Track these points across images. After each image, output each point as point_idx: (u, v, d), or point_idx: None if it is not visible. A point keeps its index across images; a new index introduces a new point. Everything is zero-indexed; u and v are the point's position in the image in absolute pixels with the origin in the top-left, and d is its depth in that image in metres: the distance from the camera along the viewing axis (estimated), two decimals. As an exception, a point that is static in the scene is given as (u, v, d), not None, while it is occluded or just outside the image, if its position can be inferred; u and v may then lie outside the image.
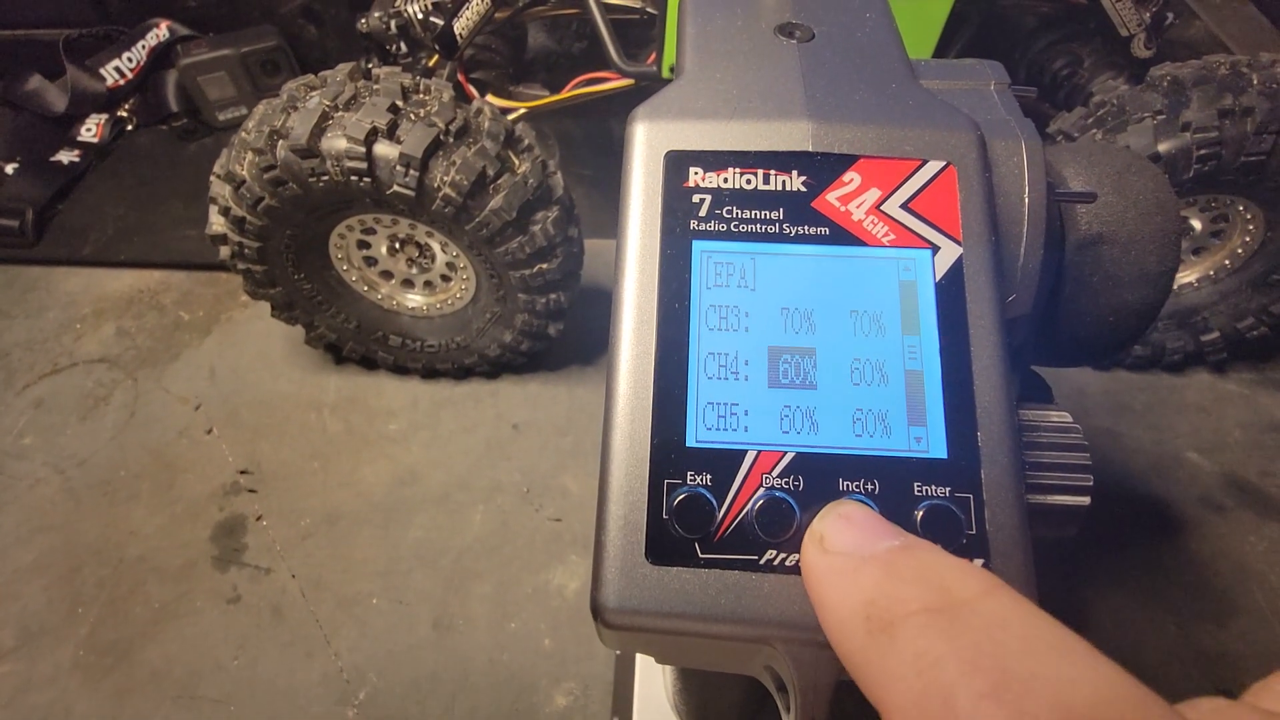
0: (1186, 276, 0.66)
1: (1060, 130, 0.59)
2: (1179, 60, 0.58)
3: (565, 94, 0.73)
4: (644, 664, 0.51)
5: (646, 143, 0.24)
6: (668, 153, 0.24)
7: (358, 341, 0.68)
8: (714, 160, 0.24)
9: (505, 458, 0.66)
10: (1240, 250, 0.63)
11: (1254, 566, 0.60)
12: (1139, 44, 0.68)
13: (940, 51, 0.67)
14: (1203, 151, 0.52)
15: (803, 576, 0.18)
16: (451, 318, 0.66)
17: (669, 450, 0.21)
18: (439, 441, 0.67)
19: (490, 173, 0.51)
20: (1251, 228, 0.62)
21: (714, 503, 0.20)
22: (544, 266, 0.56)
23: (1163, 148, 0.53)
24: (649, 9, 0.72)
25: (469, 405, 0.70)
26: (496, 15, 0.70)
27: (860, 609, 0.14)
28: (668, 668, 0.47)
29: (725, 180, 0.24)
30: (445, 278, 0.64)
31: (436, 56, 0.72)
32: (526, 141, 0.56)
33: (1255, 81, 0.52)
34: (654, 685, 0.50)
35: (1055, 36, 0.77)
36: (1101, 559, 0.60)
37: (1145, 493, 0.64)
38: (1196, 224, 0.63)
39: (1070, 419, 0.23)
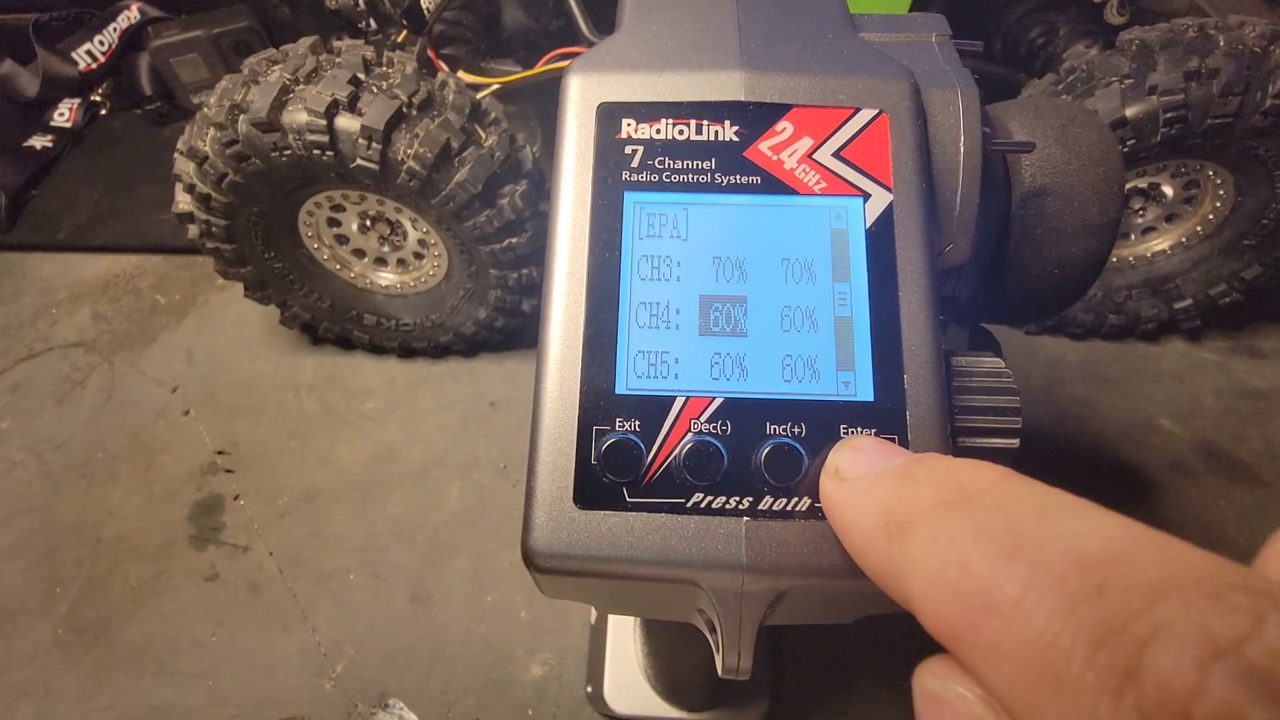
0: (1159, 244, 0.67)
1: (1030, 97, 0.59)
2: (1149, 26, 0.57)
3: (537, 69, 0.72)
4: (616, 633, 0.51)
5: (580, 95, 0.24)
6: (600, 104, 0.24)
7: (333, 321, 0.68)
8: (646, 111, 0.24)
9: (483, 434, 0.66)
10: (1212, 216, 0.63)
11: (1224, 530, 0.61)
12: (1112, 10, 0.68)
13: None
14: (1169, 114, 0.52)
15: (824, 509, 0.18)
16: (425, 295, 0.66)
17: (598, 397, 0.21)
18: (416, 419, 0.68)
19: (455, 145, 0.51)
20: (1222, 193, 0.62)
21: (642, 448, 0.21)
22: (514, 240, 0.56)
23: (1130, 112, 0.53)
24: (620, -19, 0.71)
25: (446, 383, 0.70)
26: (466, -10, 0.69)
27: (879, 517, 0.14)
28: (638, 637, 0.48)
29: (658, 131, 0.24)
30: (417, 255, 0.64)
31: (406, 32, 0.71)
32: (494, 115, 0.55)
33: (1222, 43, 0.52)
34: (625, 653, 0.50)
35: (1031, 5, 0.76)
36: (1073, 524, 0.61)
37: (1118, 460, 0.65)
38: (1168, 190, 0.64)
39: (1002, 364, 0.23)
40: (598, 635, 0.52)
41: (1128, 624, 0.09)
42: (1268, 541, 0.12)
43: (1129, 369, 0.71)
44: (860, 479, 0.16)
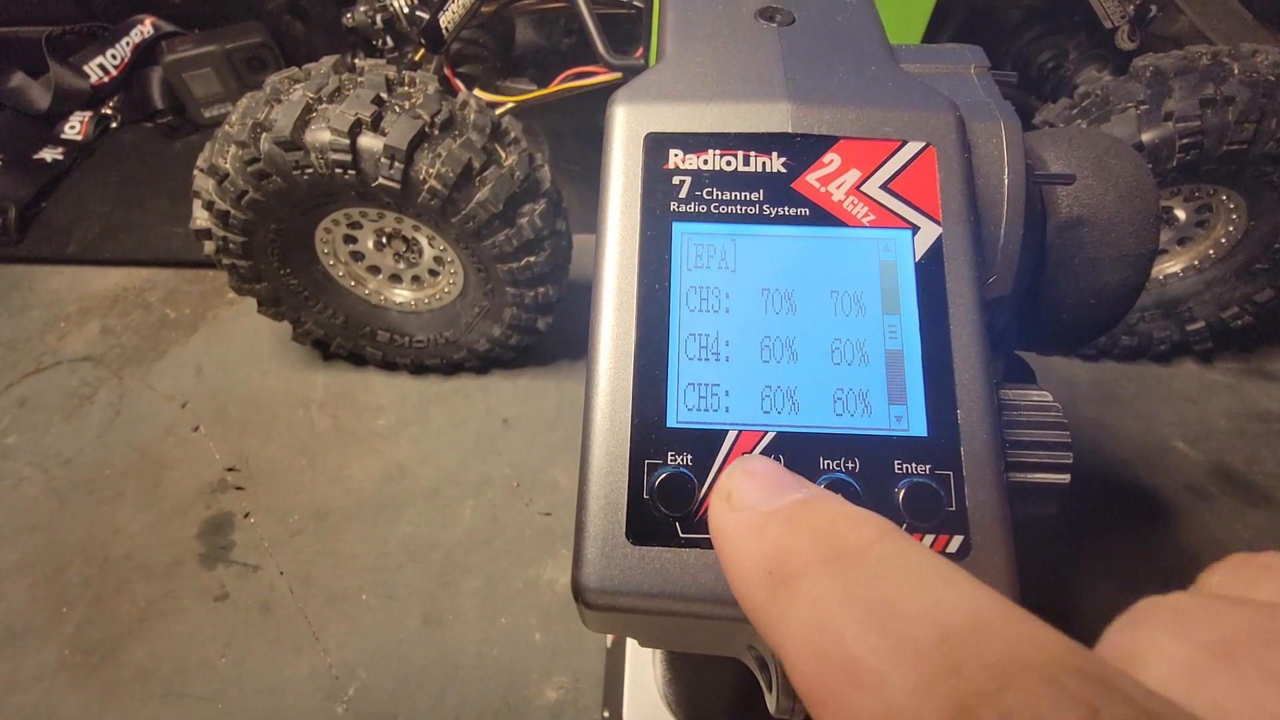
0: (1172, 266, 0.67)
1: (1045, 121, 0.60)
2: (1163, 53, 0.58)
3: (552, 88, 0.73)
4: (634, 657, 0.51)
5: (626, 125, 0.24)
6: (648, 135, 0.24)
7: (345, 337, 0.68)
8: (694, 142, 0.24)
9: (495, 452, 0.66)
10: (1224, 240, 0.64)
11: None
12: (1123, 36, 0.69)
13: (926, 43, 0.68)
14: (1185, 140, 0.52)
15: (710, 533, 0.17)
16: (440, 312, 0.66)
17: (650, 431, 0.21)
18: (428, 437, 0.67)
19: (476, 165, 0.51)
20: (1235, 217, 0.62)
21: (695, 482, 0.20)
22: (531, 259, 0.56)
23: (1146, 137, 0.53)
24: (636, 2, 0.72)
25: (458, 400, 0.70)
26: (483, 9, 0.69)
27: (762, 565, 0.14)
28: (658, 659, 0.47)
29: (705, 162, 0.24)
30: (433, 272, 0.64)
31: (422, 51, 0.71)
32: (513, 134, 0.56)
33: (1236, 71, 0.52)
34: (644, 677, 0.50)
35: (1041, 30, 0.77)
36: (1089, 547, 0.60)
37: (1133, 481, 0.65)
38: (1181, 214, 0.64)
39: (1050, 398, 0.23)
40: (614, 659, 0.51)
41: (978, 707, 0.09)
42: (1114, 623, 0.13)
43: (1141, 390, 0.71)
44: (749, 513, 0.16)
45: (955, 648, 0.10)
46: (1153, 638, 0.12)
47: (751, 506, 0.16)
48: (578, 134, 0.95)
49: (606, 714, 0.49)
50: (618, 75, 0.72)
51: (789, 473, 0.17)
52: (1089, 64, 0.74)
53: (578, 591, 0.20)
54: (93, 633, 0.56)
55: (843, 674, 0.11)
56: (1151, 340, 0.68)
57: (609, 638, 0.53)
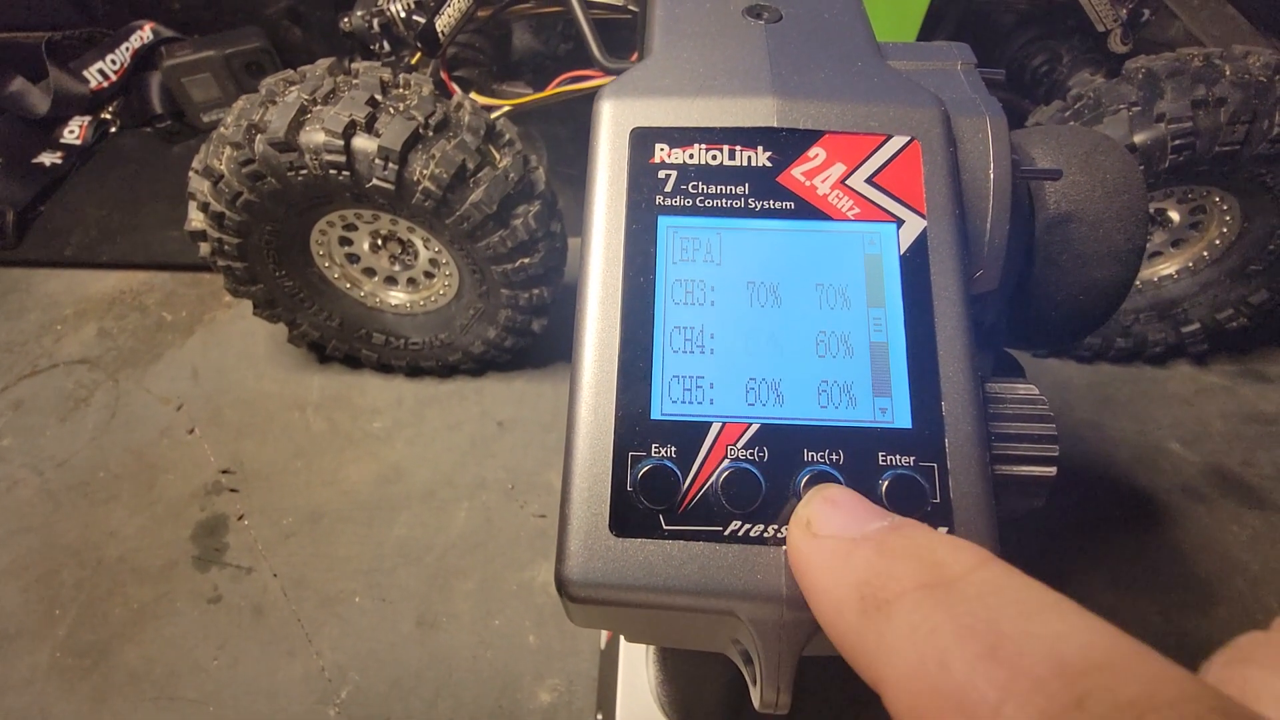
0: (1166, 269, 0.67)
1: (1038, 123, 0.60)
2: (1155, 55, 0.58)
3: (548, 92, 0.73)
4: (628, 659, 0.51)
5: (613, 119, 0.24)
6: (634, 129, 0.24)
7: (341, 340, 0.68)
8: (680, 136, 0.24)
9: (490, 455, 0.66)
10: (1218, 241, 0.64)
11: (1236, 555, 0.60)
12: (1115, 39, 0.69)
13: (920, 47, 0.68)
14: (1177, 142, 0.53)
15: (790, 562, 0.17)
16: (435, 315, 0.66)
17: (633, 423, 0.21)
18: (423, 439, 0.67)
19: (470, 166, 0.51)
20: (1228, 219, 0.62)
21: (679, 474, 0.20)
22: (526, 261, 0.56)
23: (1138, 139, 0.53)
24: (631, 6, 0.72)
25: (454, 402, 0.70)
26: (479, 13, 0.70)
27: (854, 590, 0.14)
28: (651, 662, 0.47)
29: (691, 156, 0.24)
30: (428, 274, 0.64)
31: (419, 55, 0.72)
32: (508, 136, 0.56)
33: (1228, 73, 0.53)
34: (638, 680, 0.49)
35: (1034, 33, 0.78)
36: (1085, 549, 0.60)
37: (1128, 483, 0.65)
38: (1174, 215, 0.64)
39: (1036, 391, 0.23)
40: (608, 661, 0.51)
41: None
42: (1216, 657, 0.12)
43: (1137, 392, 0.71)
44: (834, 540, 0.16)
45: (1076, 680, 0.10)
46: (1263, 677, 0.11)
47: (835, 533, 0.16)
48: (574, 138, 0.96)
49: (600, 716, 0.49)
50: (613, 79, 0.72)
51: (870, 503, 0.17)
52: (1082, 67, 0.74)
53: (561, 584, 0.20)
54: (85, 635, 0.56)
55: (953, 705, 0.11)
56: (1146, 342, 0.68)
57: (603, 639, 0.53)
